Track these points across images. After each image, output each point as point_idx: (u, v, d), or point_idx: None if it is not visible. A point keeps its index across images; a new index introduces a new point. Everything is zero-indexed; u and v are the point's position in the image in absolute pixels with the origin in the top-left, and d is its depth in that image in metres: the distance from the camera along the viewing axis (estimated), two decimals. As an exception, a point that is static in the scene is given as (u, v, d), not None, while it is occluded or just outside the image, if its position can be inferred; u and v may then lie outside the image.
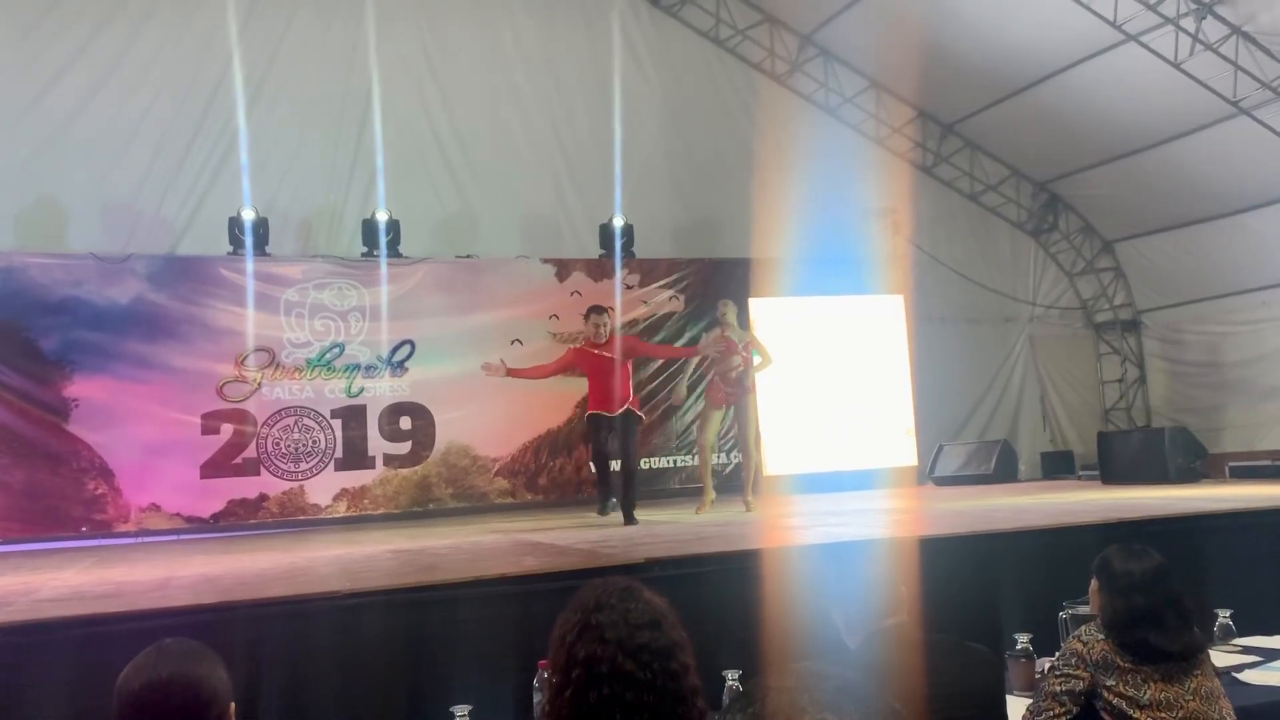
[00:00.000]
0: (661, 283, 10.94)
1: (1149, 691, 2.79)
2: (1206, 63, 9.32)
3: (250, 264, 9.47)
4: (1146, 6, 9.13)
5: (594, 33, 11.19)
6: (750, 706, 1.09)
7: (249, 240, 9.43)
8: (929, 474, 11.08)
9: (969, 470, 10.79)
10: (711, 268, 11.07)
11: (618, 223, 10.60)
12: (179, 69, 9.82)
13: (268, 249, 9.62)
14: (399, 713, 3.62)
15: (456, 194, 10.65)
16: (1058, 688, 2.90)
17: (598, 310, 7.34)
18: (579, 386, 10.38)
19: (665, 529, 6.38)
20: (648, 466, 10.61)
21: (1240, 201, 10.62)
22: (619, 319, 10.55)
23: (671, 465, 10.76)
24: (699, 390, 9.73)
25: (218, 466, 9.24)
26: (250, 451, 9.36)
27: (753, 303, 10.65)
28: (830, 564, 3.20)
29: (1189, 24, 9.12)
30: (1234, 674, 3.57)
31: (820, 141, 11.41)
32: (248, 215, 9.46)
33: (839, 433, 10.66)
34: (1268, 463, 9.45)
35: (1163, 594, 2.87)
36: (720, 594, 4.11)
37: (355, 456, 9.69)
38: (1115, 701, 2.81)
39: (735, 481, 10.35)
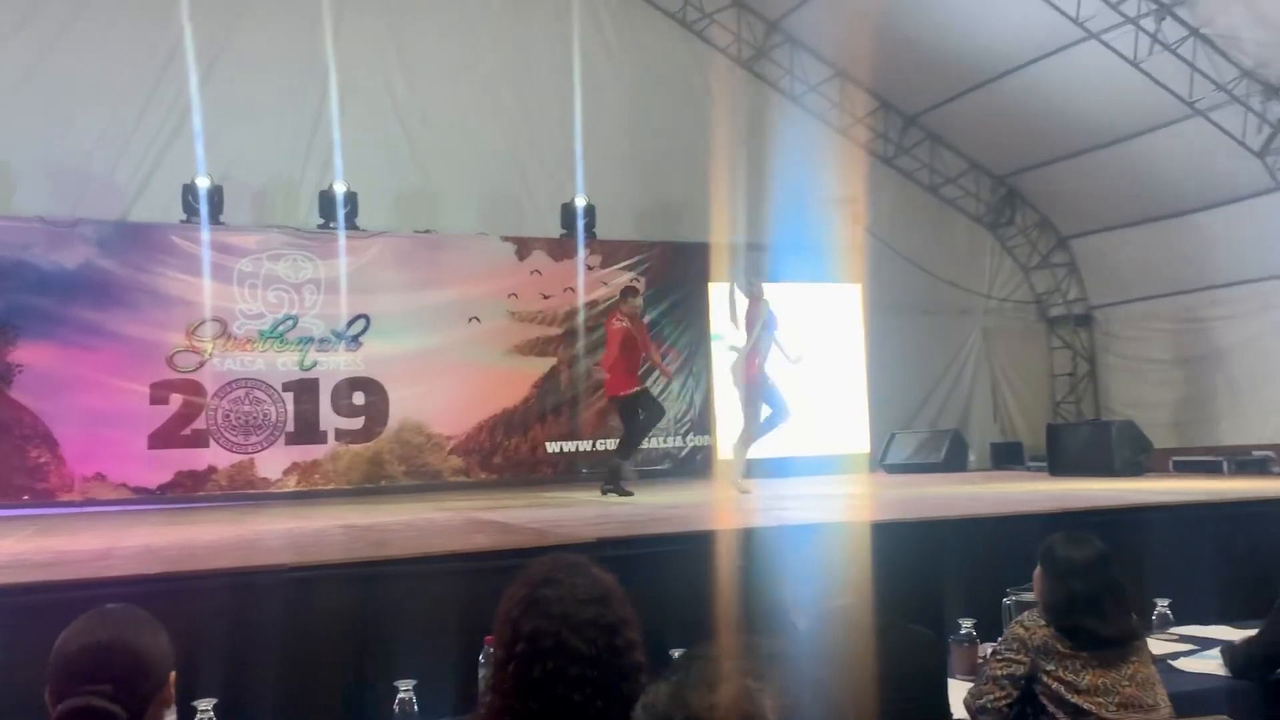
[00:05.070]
0: (623, 264, 10.90)
1: (1087, 677, 2.84)
2: (1165, 63, 9.45)
3: (205, 233, 9.33)
4: (1108, 5, 9.24)
5: (560, 10, 11.08)
6: (675, 675, 1.09)
7: (203, 208, 9.29)
8: (880, 461, 11.18)
9: (920, 458, 10.90)
10: (673, 251, 11.06)
11: (580, 202, 10.53)
12: (133, 32, 9.60)
13: (222, 218, 9.47)
14: (343, 687, 3.59)
15: (416, 168, 10.52)
16: (999, 672, 2.94)
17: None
18: (536, 366, 10.41)
19: (619, 509, 6.38)
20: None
21: (1193, 201, 10.80)
22: (581, 298, 10.53)
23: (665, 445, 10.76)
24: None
25: (166, 437, 9.11)
26: (200, 423, 9.24)
27: (711, 288, 10.66)
28: (782, 546, 3.22)
29: (1149, 24, 9.24)
30: (1170, 661, 3.65)
31: (783, 128, 11.43)
32: (202, 183, 9.30)
33: (793, 419, 10.68)
34: (1209, 458, 9.65)
35: (1101, 581, 2.92)
36: (672, 574, 4.10)
37: (307, 431, 9.59)
38: (1054, 686, 2.86)
39: (689, 465, 10.46)
